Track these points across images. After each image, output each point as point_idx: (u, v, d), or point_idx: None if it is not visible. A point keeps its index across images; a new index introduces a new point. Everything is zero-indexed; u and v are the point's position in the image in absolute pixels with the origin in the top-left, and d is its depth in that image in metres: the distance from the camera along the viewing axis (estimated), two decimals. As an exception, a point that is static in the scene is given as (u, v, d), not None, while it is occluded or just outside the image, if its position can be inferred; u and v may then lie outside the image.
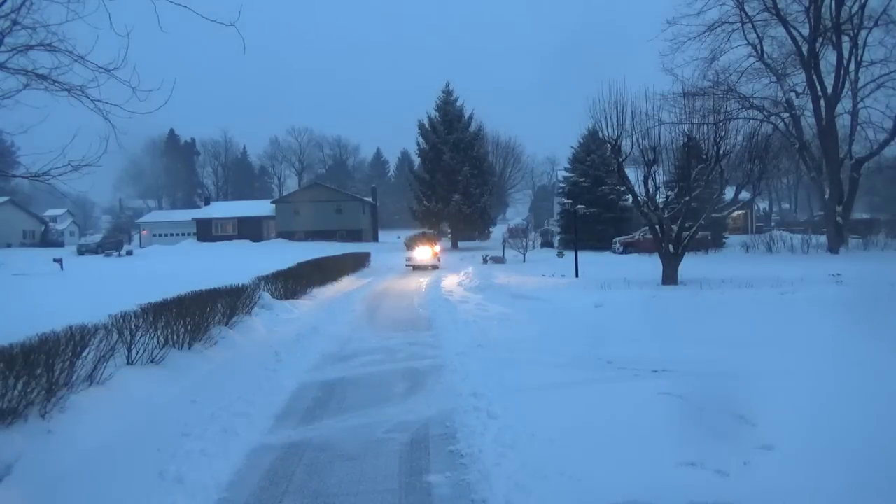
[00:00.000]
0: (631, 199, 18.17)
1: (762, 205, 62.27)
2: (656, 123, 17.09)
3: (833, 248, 26.02)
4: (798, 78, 28.08)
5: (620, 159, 17.18)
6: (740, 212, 41.79)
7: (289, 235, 54.14)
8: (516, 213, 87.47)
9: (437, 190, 46.56)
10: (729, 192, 18.90)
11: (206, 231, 58.60)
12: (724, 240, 33.36)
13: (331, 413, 6.27)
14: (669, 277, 16.72)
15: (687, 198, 16.49)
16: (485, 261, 31.22)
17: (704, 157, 16.79)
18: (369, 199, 63.24)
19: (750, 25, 27.74)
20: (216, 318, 9.44)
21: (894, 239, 27.30)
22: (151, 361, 7.25)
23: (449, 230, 49.07)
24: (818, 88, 26.70)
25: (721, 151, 16.66)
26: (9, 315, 10.35)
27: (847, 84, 26.57)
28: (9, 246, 52.22)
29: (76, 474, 4.61)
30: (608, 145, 17.76)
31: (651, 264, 20.11)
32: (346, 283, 21.34)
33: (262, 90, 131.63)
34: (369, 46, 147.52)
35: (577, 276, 19.95)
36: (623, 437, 5.07)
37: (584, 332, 9.86)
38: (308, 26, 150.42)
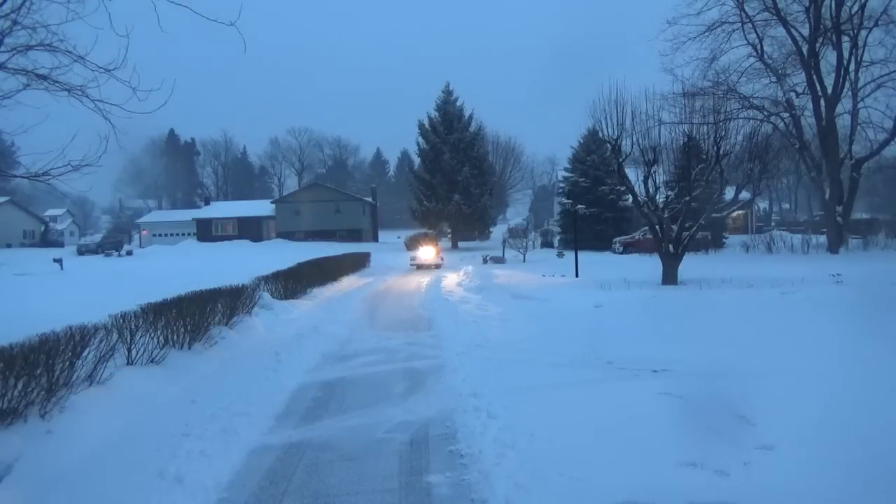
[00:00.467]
0: (631, 199, 18.18)
1: (762, 205, 62.32)
2: (656, 123, 17.12)
3: (833, 248, 26.02)
4: (798, 78, 28.13)
5: (620, 159, 17.19)
6: (740, 212, 41.79)
7: (289, 235, 54.15)
8: (516, 213, 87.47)
9: (437, 190, 46.56)
10: (729, 192, 18.91)
11: (206, 231, 58.60)
12: (724, 240, 33.36)
13: (331, 413, 6.27)
14: (669, 277, 16.72)
15: (687, 198, 16.49)
16: (485, 261, 31.23)
17: (704, 157, 16.80)
18: (369, 199, 63.25)
19: (750, 25, 27.76)
20: (216, 318, 9.43)
21: (894, 239, 27.31)
22: (151, 361, 7.25)
23: (449, 230, 49.06)
24: (818, 88, 26.71)
25: (721, 151, 16.67)
26: (9, 315, 10.35)
27: (847, 84, 26.58)
28: (9, 246, 52.24)
29: (76, 474, 4.62)
30: (608, 145, 17.77)
31: (651, 264, 20.11)
32: (346, 283, 21.34)
33: (262, 90, 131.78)
34: (369, 46, 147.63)
35: (577, 276, 19.95)
36: (623, 437, 5.07)
37: (584, 333, 9.86)
38: (308, 26, 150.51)
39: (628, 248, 33.05)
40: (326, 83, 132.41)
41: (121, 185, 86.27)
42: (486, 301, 14.67)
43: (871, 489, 4.04)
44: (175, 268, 27.53)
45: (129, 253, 46.51)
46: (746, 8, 27.50)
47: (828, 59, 27.25)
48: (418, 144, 49.03)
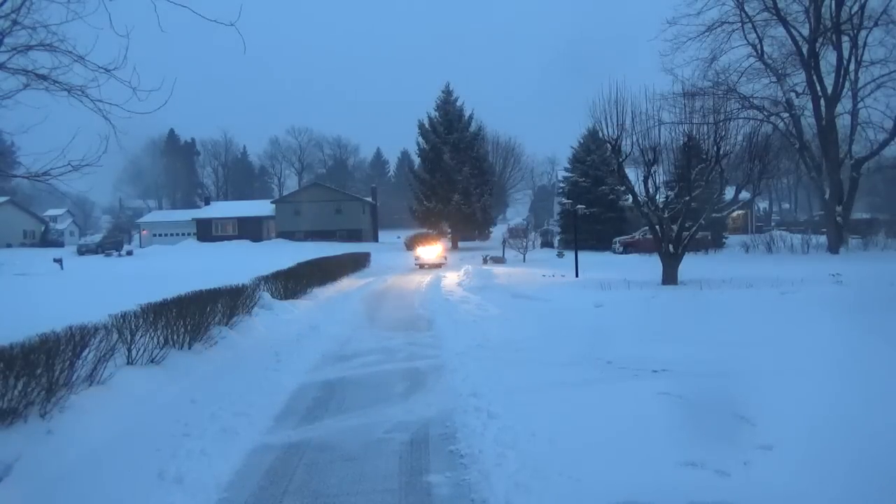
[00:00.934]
0: (631, 199, 18.16)
1: (762, 205, 62.30)
2: (656, 123, 17.10)
3: (833, 248, 26.01)
4: (798, 78, 28.11)
5: (620, 159, 17.18)
6: (740, 212, 41.82)
7: (289, 235, 54.14)
8: (516, 213, 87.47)
9: (437, 190, 46.55)
10: (729, 192, 18.90)
11: (206, 231, 58.60)
12: (724, 240, 33.35)
13: (331, 413, 6.27)
14: (669, 277, 16.72)
15: (687, 198, 16.49)
16: (485, 261, 31.24)
17: (704, 157, 16.79)
18: (369, 199, 63.23)
19: (750, 25, 27.75)
20: (216, 318, 9.44)
21: (894, 239, 27.29)
22: (151, 361, 7.25)
23: (449, 230, 49.05)
24: (818, 88, 26.70)
25: (721, 151, 16.66)
26: (9, 315, 10.35)
27: (847, 84, 26.57)
28: (9, 246, 52.23)
29: (76, 474, 4.61)
30: (608, 145, 17.76)
31: (651, 264, 20.11)
32: (346, 283, 21.34)
33: (262, 90, 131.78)
34: (369, 45, 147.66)
35: (577, 276, 19.95)
36: (623, 437, 5.07)
37: (584, 333, 9.86)
38: (308, 27, 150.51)
39: (628, 248, 33.04)
40: (326, 83, 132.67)
41: (121, 185, 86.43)
42: (486, 301, 14.67)
43: (870, 489, 4.04)
44: (175, 268, 27.53)
45: (129, 253, 46.52)
46: (746, 8, 27.51)
47: (828, 59, 27.28)
48: (418, 144, 49.07)
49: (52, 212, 68.86)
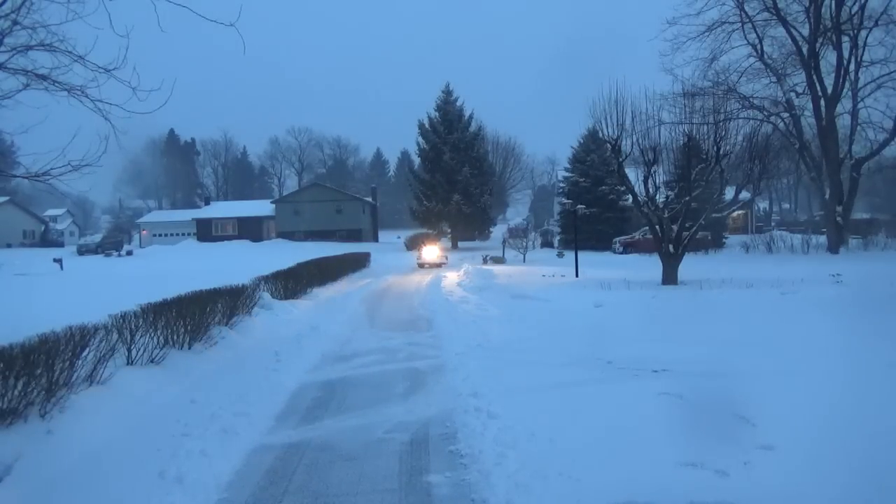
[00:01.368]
0: (631, 199, 18.18)
1: (762, 205, 62.30)
2: (656, 123, 17.13)
3: (833, 249, 26.02)
4: (798, 78, 28.14)
5: (620, 159, 17.19)
6: (740, 212, 41.83)
7: (289, 235, 54.14)
8: (516, 213, 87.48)
9: (437, 190, 46.56)
10: (729, 192, 18.92)
11: (206, 231, 58.60)
12: (724, 240, 33.37)
13: (331, 413, 6.27)
14: (669, 277, 16.73)
15: (687, 198, 16.49)
16: (485, 261, 31.25)
17: (704, 157, 16.80)
18: (369, 199, 63.24)
19: (750, 25, 27.77)
20: (216, 318, 9.43)
21: (894, 239, 27.30)
22: (151, 361, 7.25)
23: (449, 230, 49.06)
24: (818, 88, 26.71)
25: (721, 151, 16.67)
26: (9, 315, 10.35)
27: (847, 84, 26.58)
28: (9, 246, 52.24)
29: (76, 474, 4.61)
30: (608, 145, 17.77)
31: (651, 264, 20.11)
32: (346, 284, 21.33)
33: (262, 90, 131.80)
34: (369, 45, 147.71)
35: (577, 276, 19.95)
36: (623, 437, 5.07)
37: (584, 332, 9.87)
38: (308, 27, 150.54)
39: (628, 248, 33.05)
40: (326, 83, 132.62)
41: (121, 185, 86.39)
42: (486, 301, 14.67)
43: (870, 489, 4.03)
44: (175, 268, 27.53)
45: (129, 253, 46.49)
46: (746, 8, 27.53)
47: (828, 59, 27.30)
48: (418, 144, 49.08)
49: (52, 212, 68.85)
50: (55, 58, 6.93)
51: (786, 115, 27.91)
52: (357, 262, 27.19)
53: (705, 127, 17.29)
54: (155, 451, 5.03)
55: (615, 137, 16.96)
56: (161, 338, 7.67)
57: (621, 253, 33.10)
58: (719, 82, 27.86)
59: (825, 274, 15.65)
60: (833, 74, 26.67)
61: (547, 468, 4.46)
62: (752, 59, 28.55)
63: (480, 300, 14.95)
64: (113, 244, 49.43)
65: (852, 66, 26.42)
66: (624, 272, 19.22)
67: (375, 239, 60.06)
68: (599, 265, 23.87)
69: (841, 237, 26.31)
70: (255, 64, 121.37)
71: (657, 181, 16.95)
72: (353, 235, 54.78)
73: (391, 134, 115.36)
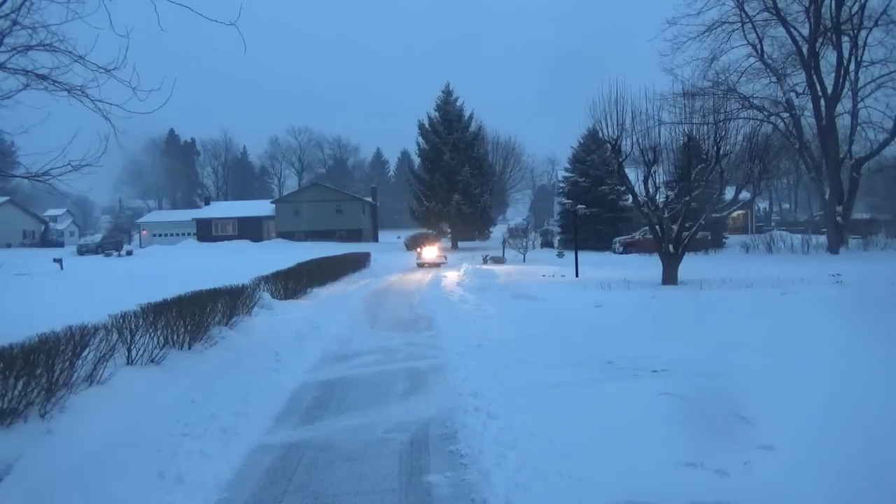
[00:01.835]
0: (631, 199, 18.18)
1: (762, 205, 62.29)
2: (656, 123, 17.14)
3: (833, 248, 26.02)
4: (798, 78, 28.14)
5: (620, 159, 17.20)
6: (740, 212, 41.82)
7: (289, 235, 54.13)
8: (516, 213, 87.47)
9: (437, 190, 46.56)
10: (729, 192, 18.92)
11: (206, 231, 58.59)
12: (724, 240, 33.37)
13: (331, 413, 6.27)
14: (669, 277, 16.73)
15: (687, 198, 16.49)
16: (485, 261, 31.24)
17: (704, 157, 16.80)
18: (369, 199, 63.24)
19: (750, 25, 27.77)
20: (216, 318, 9.43)
21: (894, 239, 27.30)
22: (151, 361, 7.25)
23: (449, 230, 49.05)
24: (818, 88, 26.71)
25: (721, 151, 16.68)
26: (9, 315, 10.35)
27: (847, 84, 26.58)
28: (9, 246, 52.23)
29: (76, 474, 4.61)
30: (608, 145, 17.77)
31: (651, 264, 20.11)
32: (346, 283, 21.33)
33: (262, 90, 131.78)
34: (369, 45, 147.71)
35: (577, 275, 19.95)
36: (623, 437, 5.07)
37: (584, 332, 9.87)
38: (308, 26, 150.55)
39: (628, 248, 33.05)
40: (326, 83, 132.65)
41: (121, 185, 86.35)
42: (486, 301, 14.67)
43: (870, 489, 4.04)
44: (175, 268, 27.53)
45: (129, 253, 46.48)
46: (746, 8, 27.54)
47: (828, 59, 27.31)
48: (418, 144, 49.07)
49: (52, 212, 68.85)
50: (55, 58, 6.94)
51: (786, 115, 27.92)
52: (357, 262, 27.19)
53: (705, 127, 17.30)
54: (155, 451, 5.03)
55: (615, 137, 16.96)
56: (161, 338, 7.67)
57: (621, 253, 33.10)
58: (719, 82, 27.89)
59: (825, 274, 15.65)
60: (833, 74, 26.71)
61: (547, 468, 4.46)
62: (752, 59, 28.60)
63: (480, 300, 14.95)
64: (113, 244, 49.41)
65: (852, 66, 26.43)
66: (624, 272, 19.21)
67: (375, 239, 60.05)
68: (599, 265, 23.87)
69: (841, 237, 26.31)
70: (255, 64, 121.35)
71: (657, 181, 16.95)
72: (353, 235, 54.78)
73: (391, 134, 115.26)
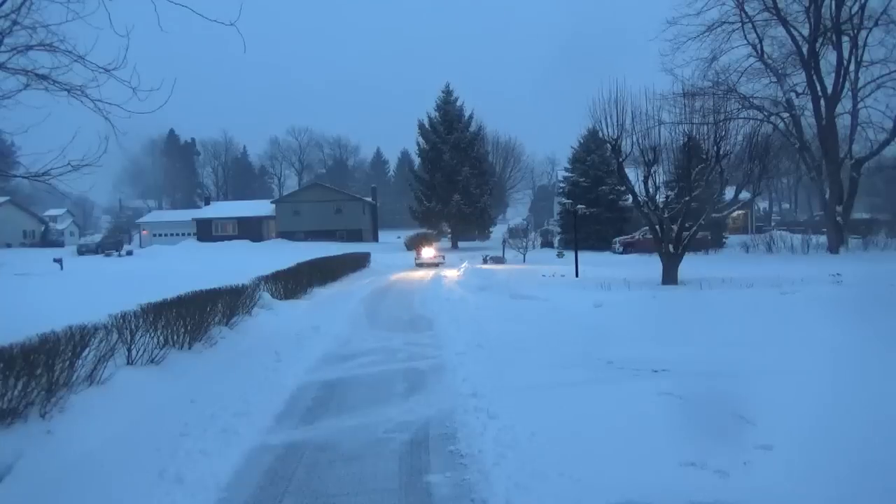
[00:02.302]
0: (631, 199, 18.17)
1: (762, 205, 62.32)
2: (656, 123, 17.13)
3: (833, 248, 26.02)
4: (798, 78, 28.12)
5: (620, 159, 17.20)
6: (740, 212, 41.79)
7: (289, 235, 54.12)
8: (516, 213, 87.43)
9: (437, 190, 46.57)
10: (729, 192, 18.91)
11: (206, 231, 58.59)
12: (724, 240, 33.37)
13: (331, 413, 6.27)
14: (669, 277, 16.73)
15: (687, 198, 16.49)
16: (485, 261, 31.25)
17: (704, 157, 16.80)
18: (369, 199, 63.23)
19: (750, 25, 27.76)
20: (216, 318, 9.44)
21: (894, 239, 27.29)
22: (151, 361, 7.25)
23: (449, 230, 49.07)
24: (818, 88, 26.71)
25: (721, 151, 16.68)
26: (9, 315, 10.35)
27: (847, 84, 26.57)
28: (9, 246, 52.20)
29: (76, 474, 4.62)
30: (608, 145, 17.78)
31: (651, 264, 20.11)
32: (347, 283, 21.33)
33: (262, 90, 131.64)
34: (369, 45, 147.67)
35: (576, 275, 19.95)
36: (623, 437, 5.07)
37: (583, 332, 9.86)
38: (308, 27, 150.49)
39: (628, 248, 33.05)
40: (326, 83, 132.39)
41: (121, 185, 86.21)
42: (486, 301, 14.66)
43: (870, 489, 4.04)
44: (175, 268, 27.52)
45: (129, 253, 46.49)
46: (746, 8, 27.53)
47: (828, 59, 27.29)
48: (418, 144, 49.10)
49: (52, 212, 68.78)
50: (55, 58, 6.93)
51: (786, 115, 27.91)
52: (357, 262, 27.19)
53: (705, 127, 17.30)
54: (155, 451, 5.03)
55: (615, 137, 16.97)
56: (161, 338, 7.67)
57: (621, 253, 33.10)
58: (719, 82, 27.86)
59: (825, 274, 15.65)
60: (833, 74, 26.69)
61: (547, 468, 4.46)
62: (752, 59, 28.57)
63: (480, 300, 14.95)
64: (113, 244, 49.40)
65: (852, 66, 26.42)
66: (624, 272, 19.21)
67: (375, 239, 60.05)
68: (599, 265, 23.87)
69: (841, 237, 26.30)
70: (255, 64, 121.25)
71: (657, 181, 16.95)
72: (354, 235, 54.79)
73: (391, 134, 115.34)
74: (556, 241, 42.59)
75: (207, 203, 67.29)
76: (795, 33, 27.09)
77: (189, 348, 8.24)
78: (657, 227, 16.93)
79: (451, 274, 24.11)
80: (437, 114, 48.13)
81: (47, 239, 59.77)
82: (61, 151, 6.60)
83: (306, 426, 5.88)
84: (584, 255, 24.13)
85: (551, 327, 10.63)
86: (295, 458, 5.08)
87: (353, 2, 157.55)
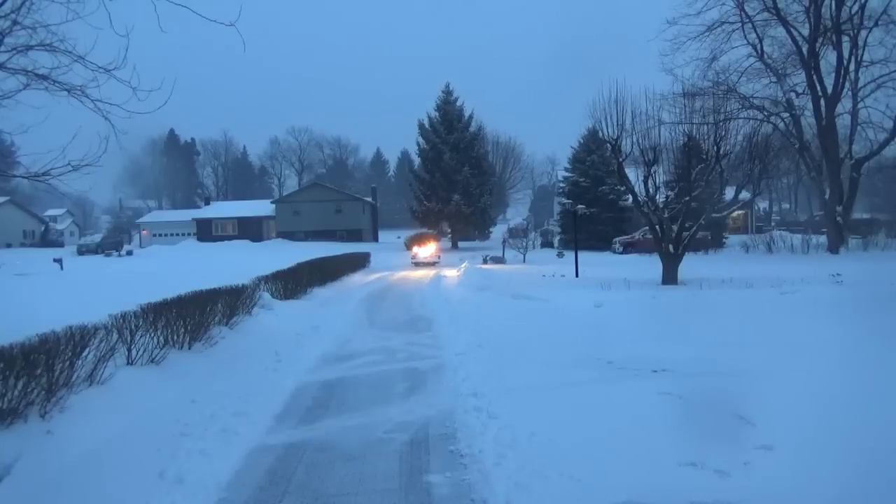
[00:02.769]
0: (631, 199, 18.18)
1: (762, 205, 62.28)
2: (656, 123, 17.15)
3: (833, 248, 26.03)
4: (798, 78, 28.15)
5: (620, 159, 17.20)
6: (740, 212, 41.81)
7: (289, 235, 54.11)
8: (516, 213, 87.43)
9: (437, 190, 46.56)
10: (729, 192, 18.92)
11: (206, 231, 58.58)
12: (724, 240, 33.38)
13: (331, 413, 6.27)
14: (669, 277, 16.73)
15: (687, 198, 16.50)
16: (485, 261, 31.26)
17: (704, 157, 16.81)
18: (369, 199, 63.23)
19: (750, 25, 27.78)
20: (216, 318, 9.43)
21: (894, 239, 27.30)
22: (151, 361, 7.24)
23: (449, 230, 49.07)
24: (818, 88, 26.71)
25: (721, 151, 16.68)
26: (9, 315, 10.35)
27: (847, 84, 26.58)
28: (9, 246, 52.20)
29: (76, 474, 4.61)
30: (608, 145, 17.78)
31: (651, 264, 20.12)
32: (346, 283, 21.33)
33: (262, 90, 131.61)
34: (369, 45, 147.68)
35: (577, 275, 19.96)
36: (623, 437, 5.07)
37: (584, 332, 9.86)
38: (308, 27, 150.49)
39: (628, 248, 33.06)
40: (326, 83, 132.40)
41: (121, 185, 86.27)
42: (486, 301, 14.66)
43: (870, 489, 4.03)
44: (175, 268, 27.53)
45: (129, 253, 46.47)
46: (746, 8, 27.55)
47: (828, 59, 27.31)
48: (418, 144, 49.07)
49: (52, 212, 68.77)
50: (55, 58, 6.94)
51: (786, 115, 27.92)
52: (357, 262, 27.19)
53: (705, 127, 17.31)
54: (155, 451, 5.03)
55: (615, 137, 16.97)
56: (161, 338, 7.66)
57: (621, 253, 33.11)
58: (719, 82, 27.88)
59: (825, 274, 15.64)
60: (833, 74, 26.71)
61: (547, 468, 4.46)
62: (752, 59, 28.59)
63: (480, 300, 14.94)
64: (113, 244, 49.38)
65: (852, 66, 26.43)
66: (624, 272, 19.21)
67: (375, 239, 60.05)
68: (599, 265, 23.87)
69: (841, 237, 26.31)
70: (256, 64, 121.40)
71: (657, 181, 16.96)
72: (353, 235, 54.78)
73: (391, 134, 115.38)
74: (556, 241, 42.59)
75: (207, 203, 67.28)
76: (795, 33, 27.11)
77: (189, 348, 8.24)
78: (657, 227, 16.93)
79: (451, 274, 24.11)
80: (437, 114, 48.12)
81: (47, 239, 59.75)
82: (61, 151, 6.61)
83: (306, 426, 5.88)
84: (584, 255, 24.13)
85: (551, 327, 10.63)
86: (295, 458, 5.08)
87: (353, 2, 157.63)
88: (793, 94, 27.57)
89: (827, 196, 26.99)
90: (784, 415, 5.43)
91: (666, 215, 16.84)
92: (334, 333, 10.96)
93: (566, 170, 42.82)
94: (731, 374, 6.95)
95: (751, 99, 28.12)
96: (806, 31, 26.87)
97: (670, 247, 16.88)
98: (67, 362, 5.52)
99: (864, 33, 26.06)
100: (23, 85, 7.00)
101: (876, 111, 26.73)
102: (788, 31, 27.19)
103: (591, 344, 8.71)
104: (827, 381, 6.49)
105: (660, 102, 18.56)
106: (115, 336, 6.65)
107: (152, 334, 7.45)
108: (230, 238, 56.05)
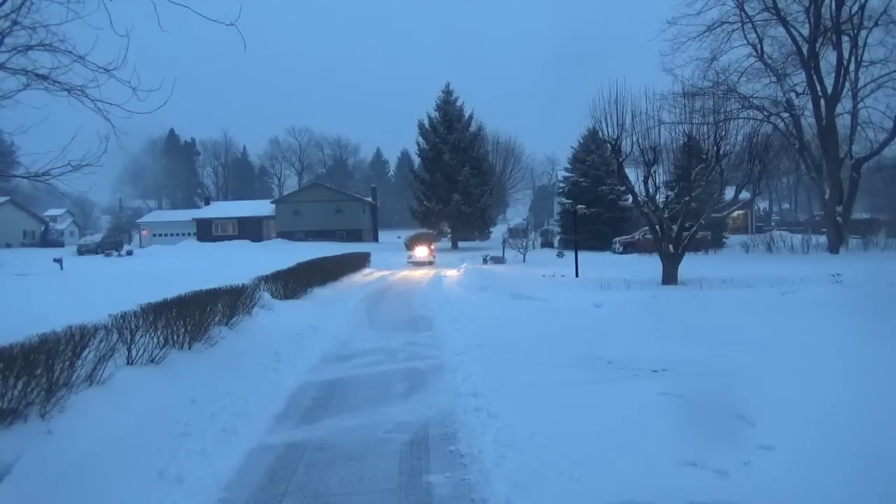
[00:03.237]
0: (631, 199, 18.18)
1: (762, 205, 62.32)
2: (656, 123, 17.13)
3: (833, 248, 26.01)
4: (798, 78, 28.12)
5: (620, 159, 17.20)
6: (740, 212, 41.83)
7: (289, 235, 54.12)
8: (516, 213, 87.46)
9: (437, 190, 46.58)
10: (729, 192, 18.91)
11: (206, 231, 58.58)
12: (724, 240, 33.38)
13: (331, 413, 6.27)
14: (669, 277, 16.73)
15: (687, 198, 16.49)
16: (485, 261, 31.28)
17: (704, 157, 16.81)
18: (369, 199, 63.24)
19: (750, 25, 27.75)
20: (216, 318, 9.42)
21: (894, 239, 27.29)
22: (151, 361, 7.24)
23: (449, 230, 49.09)
24: (818, 88, 26.70)
25: (721, 151, 16.68)
26: (9, 315, 10.34)
27: (847, 84, 26.56)
28: (9, 246, 52.20)
29: (76, 474, 4.61)
30: (608, 145, 17.78)
31: (651, 264, 20.11)
32: (346, 283, 21.33)
33: (262, 90, 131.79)
34: (370, 45, 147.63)
35: (576, 275, 19.96)
36: (623, 437, 5.07)
37: (584, 332, 9.86)
38: (308, 26, 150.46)
39: (628, 248, 33.06)
40: (326, 83, 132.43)
41: (121, 185, 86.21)
42: (486, 301, 14.66)
43: (870, 489, 4.04)
44: (175, 268, 27.52)
45: (129, 253, 46.46)
46: (746, 8, 27.52)
47: (828, 59, 27.28)
48: (418, 144, 49.11)
49: (52, 212, 68.77)
50: (55, 58, 6.93)
51: (786, 115, 27.90)
52: (357, 262, 27.18)
53: (705, 127, 17.30)
54: (155, 451, 5.03)
55: (615, 137, 16.97)
56: (161, 338, 7.65)
57: (621, 253, 33.11)
58: (719, 82, 27.86)
59: (825, 274, 15.64)
60: (833, 74, 26.68)
61: (547, 468, 4.46)
62: (752, 59, 28.56)
63: (480, 300, 14.95)
64: (113, 244, 49.36)
65: (852, 66, 26.40)
66: (624, 272, 19.22)
67: (375, 239, 60.05)
68: (599, 265, 23.87)
69: (841, 237, 26.29)
70: (256, 64, 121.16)
71: (657, 181, 16.95)
72: (354, 235, 54.79)
73: (391, 134, 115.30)
74: (556, 241, 42.61)
75: (207, 203, 67.30)
76: (795, 33, 27.10)
77: (189, 348, 8.23)
78: (657, 227, 16.93)
79: (451, 274, 24.12)
80: (437, 114, 48.13)
81: (47, 239, 59.76)
82: (61, 151, 6.60)
83: (306, 426, 5.88)
84: (584, 255, 24.14)
85: (551, 327, 10.63)
86: (295, 458, 5.08)
87: (353, 2, 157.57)
88: (793, 95, 27.57)
89: (827, 196, 26.98)
90: (784, 415, 5.43)
91: (666, 215, 16.84)
92: (334, 333, 10.96)
93: (566, 170, 42.84)
94: (731, 374, 6.95)
95: (751, 99, 28.11)
96: (806, 31, 26.86)
97: (670, 247, 16.87)
98: (67, 362, 5.51)
99: (864, 33, 26.05)
100: (23, 85, 7.00)
101: (876, 111, 26.76)
102: (788, 31, 27.19)
103: (591, 344, 8.71)
104: (827, 381, 6.49)
105: (660, 102, 18.58)
106: (115, 336, 6.64)
107: (152, 334, 7.45)
108: (230, 238, 56.07)
